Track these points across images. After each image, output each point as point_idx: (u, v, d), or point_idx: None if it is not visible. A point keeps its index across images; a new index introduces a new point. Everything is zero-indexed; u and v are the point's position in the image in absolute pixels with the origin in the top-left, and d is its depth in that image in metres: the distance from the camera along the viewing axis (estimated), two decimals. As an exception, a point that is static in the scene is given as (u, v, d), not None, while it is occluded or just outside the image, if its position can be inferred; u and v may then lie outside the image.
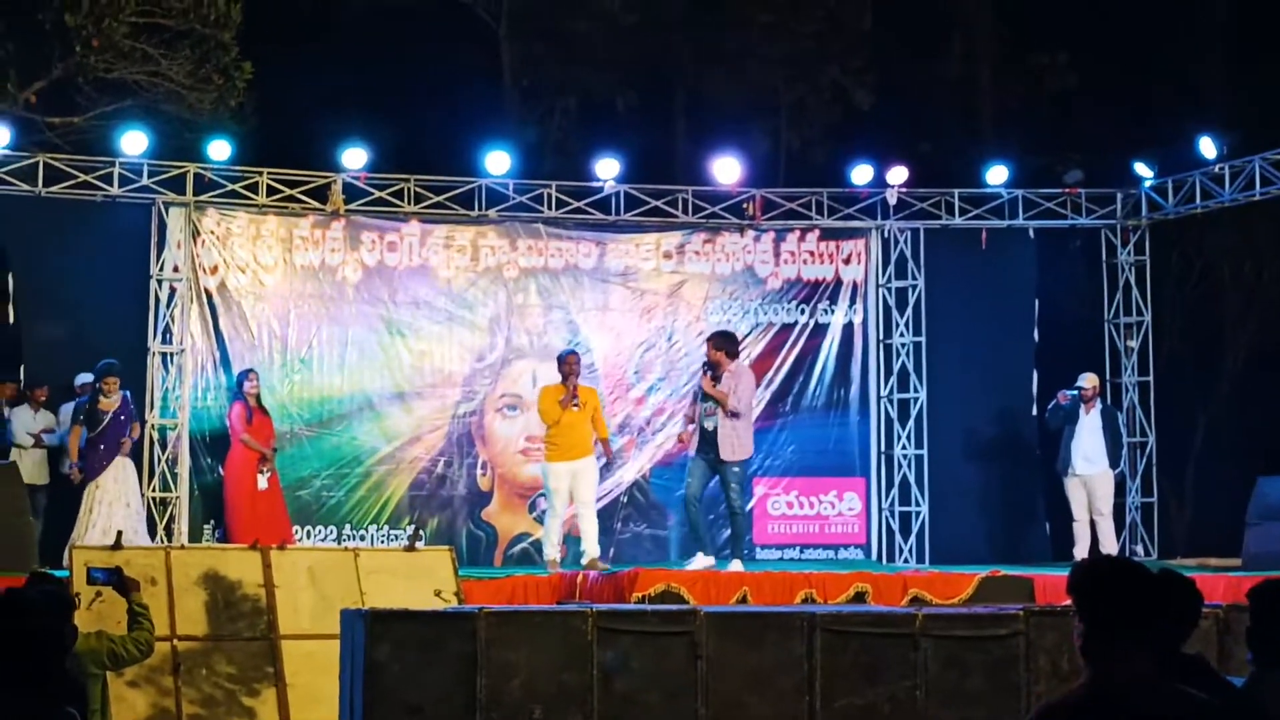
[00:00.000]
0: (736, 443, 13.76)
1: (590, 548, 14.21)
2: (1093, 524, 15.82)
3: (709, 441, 13.80)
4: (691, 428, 14.10)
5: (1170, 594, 4.56)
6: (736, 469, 13.84)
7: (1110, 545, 15.81)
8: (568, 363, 14.47)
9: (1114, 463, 16.02)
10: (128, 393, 15.11)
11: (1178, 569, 5.28)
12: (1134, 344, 18.18)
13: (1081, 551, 15.63)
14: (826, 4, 24.48)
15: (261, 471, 15.32)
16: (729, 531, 14.24)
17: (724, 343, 14.10)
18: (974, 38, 25.85)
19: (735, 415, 13.76)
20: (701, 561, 13.76)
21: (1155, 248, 18.52)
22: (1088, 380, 16.09)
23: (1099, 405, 16.03)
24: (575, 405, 14.25)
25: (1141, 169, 17.85)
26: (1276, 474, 15.80)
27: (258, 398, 15.59)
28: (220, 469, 15.99)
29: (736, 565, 13.79)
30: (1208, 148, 17.09)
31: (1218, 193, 17.08)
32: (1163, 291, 19.79)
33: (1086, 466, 15.82)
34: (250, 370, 15.76)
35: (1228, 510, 16.57)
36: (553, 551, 14.52)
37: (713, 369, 13.85)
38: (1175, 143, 18.29)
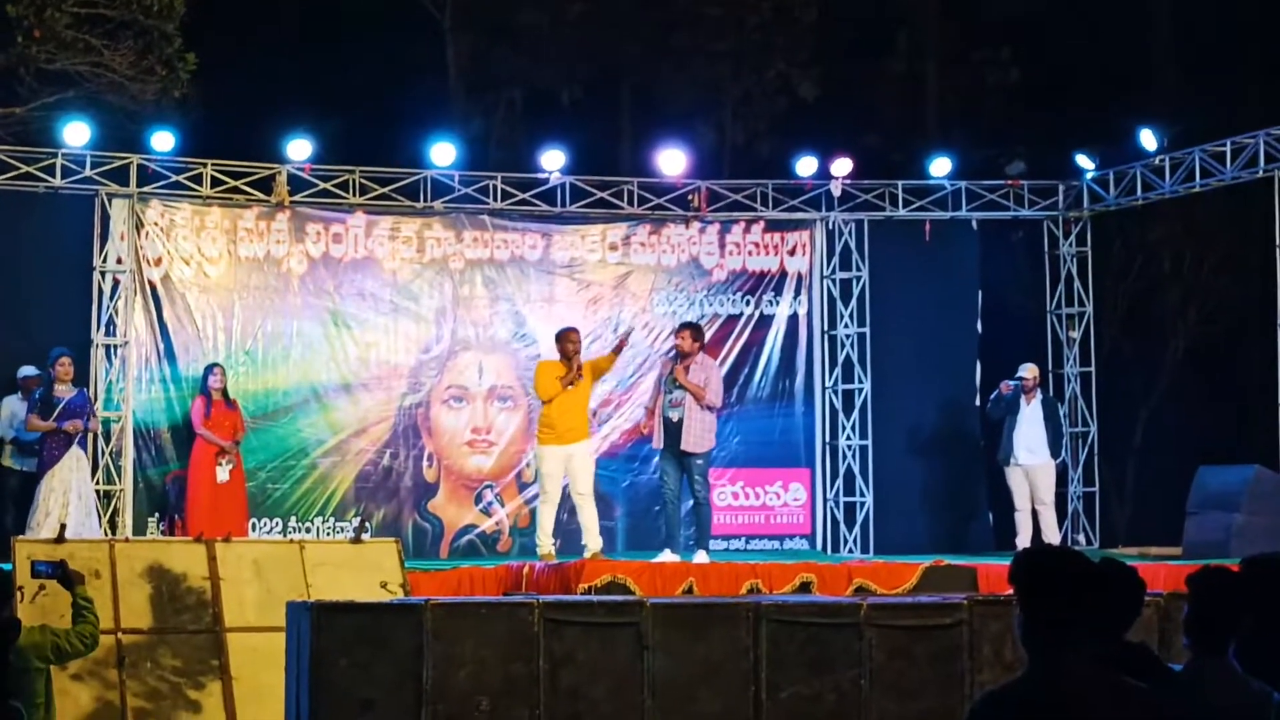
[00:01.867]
0: (703, 434, 13.79)
1: (592, 541, 13.82)
2: (1035, 514, 15.92)
3: (673, 433, 13.77)
4: (650, 420, 14.07)
5: (1111, 583, 4.62)
6: (700, 460, 13.86)
7: (1053, 535, 15.90)
8: (571, 340, 13.82)
9: (1055, 453, 16.13)
10: (85, 389, 15.07)
11: (1119, 558, 5.35)
12: (1076, 335, 18.32)
13: (1023, 541, 15.72)
14: (772, -4, 24.55)
15: (220, 464, 15.29)
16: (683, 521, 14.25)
17: (700, 334, 14.18)
18: (918, 31, 25.97)
19: (713, 409, 13.81)
20: (668, 558, 13.76)
21: (1097, 239, 18.67)
22: (1029, 371, 16.18)
23: (1040, 396, 16.13)
24: (575, 382, 13.65)
25: (1083, 161, 17.99)
26: (1216, 464, 15.96)
27: (223, 391, 15.57)
28: (164, 462, 15.98)
29: (702, 556, 13.79)
30: (1148, 140, 17.24)
31: (1159, 184, 17.22)
32: (1104, 282, 19.96)
33: (1028, 457, 15.90)
34: (215, 364, 15.77)
35: (1168, 499, 16.74)
36: (547, 544, 13.85)
37: (683, 359, 13.83)
38: (1116, 135, 18.45)
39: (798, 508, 17.89)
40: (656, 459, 14.88)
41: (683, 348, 13.90)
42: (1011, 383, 16.11)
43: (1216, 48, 23.65)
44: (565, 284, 17.58)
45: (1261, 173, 16.04)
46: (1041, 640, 4.02)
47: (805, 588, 13.35)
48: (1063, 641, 4.00)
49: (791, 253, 18.06)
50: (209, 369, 15.69)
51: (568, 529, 14.66)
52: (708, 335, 17.52)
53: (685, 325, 14.40)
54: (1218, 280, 22.90)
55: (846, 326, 17.97)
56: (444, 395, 17.21)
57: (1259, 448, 16.48)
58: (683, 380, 13.70)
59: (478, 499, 17.16)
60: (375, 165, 17.13)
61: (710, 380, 13.85)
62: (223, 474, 15.29)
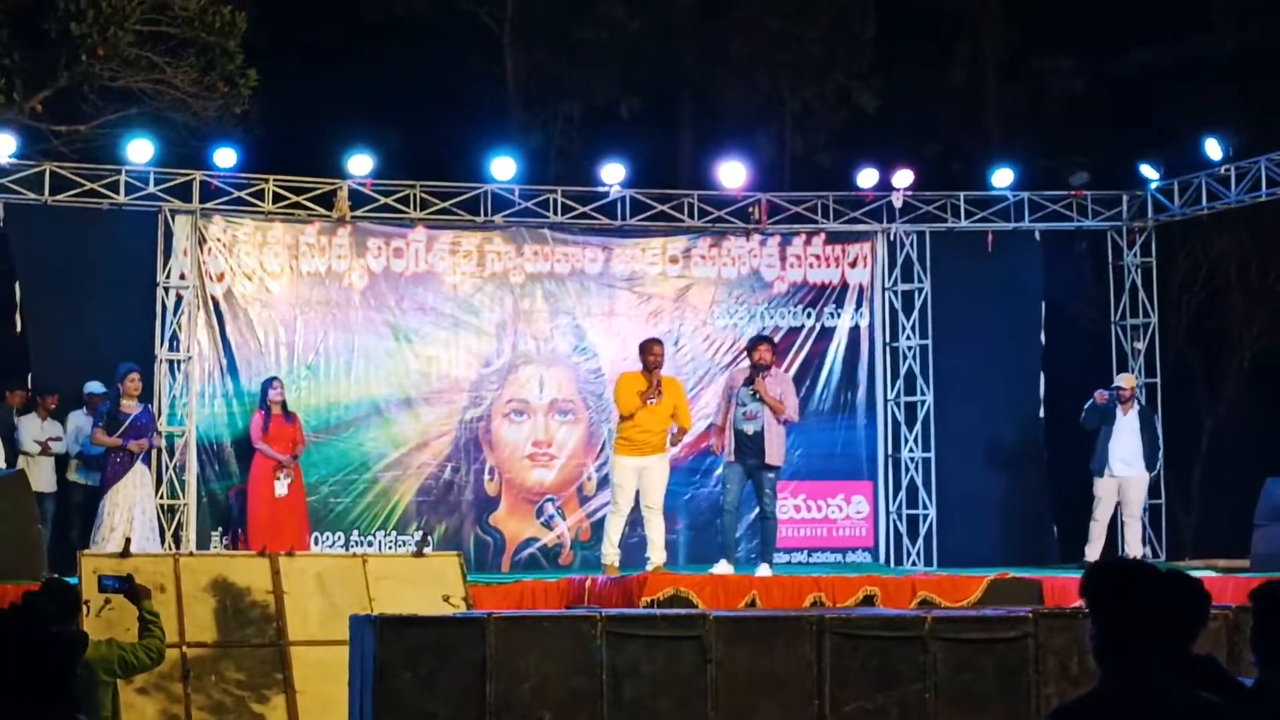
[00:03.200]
0: (781, 447, 13.75)
1: (656, 554, 13.70)
2: (1120, 525, 15.64)
3: (750, 446, 13.64)
4: (720, 438, 13.95)
5: (1179, 595, 4.56)
6: (773, 474, 13.80)
7: (1136, 548, 15.65)
8: (653, 351, 13.57)
9: (1150, 465, 15.75)
10: (149, 405, 15.19)
11: (1186, 570, 5.28)
12: (1140, 346, 18.16)
13: (1094, 552, 15.51)
14: (832, 9, 24.51)
15: (279, 478, 15.35)
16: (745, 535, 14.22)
17: (775, 347, 14.10)
18: (979, 40, 25.86)
19: (790, 422, 13.81)
20: (724, 568, 13.70)
21: (1161, 249, 18.51)
22: (1125, 380, 15.95)
23: (1137, 406, 15.81)
24: (656, 399, 13.44)
25: (1147, 170, 17.84)
26: (1284, 475, 15.79)
27: (282, 405, 15.62)
28: (228, 476, 16.08)
29: (765, 570, 13.71)
30: (1213, 149, 17.06)
31: (1224, 194, 17.07)
32: (1169, 293, 19.81)
33: (1123, 468, 15.56)
34: (274, 378, 15.82)
35: (1235, 511, 16.56)
36: (612, 555, 13.71)
37: (761, 372, 13.73)
38: (1181, 144, 18.28)
39: (860, 520, 17.81)
40: (719, 470, 14.82)
41: (764, 360, 13.72)
42: (1106, 392, 15.91)
43: (1281, 55, 23.42)
44: (626, 297, 17.58)
45: (1329, 181, 15.89)
46: (1114, 653, 3.97)
47: (869, 601, 13.28)
48: (1135, 654, 3.95)
49: (853, 264, 18.00)
50: (268, 382, 15.76)
51: (628, 541, 14.59)
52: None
53: (761, 339, 14.19)
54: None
55: (908, 338, 17.88)
56: (505, 409, 17.23)
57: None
58: (764, 394, 13.58)
59: (539, 512, 17.17)
60: (435, 180, 17.19)
61: (786, 394, 13.81)
62: (281, 488, 15.33)
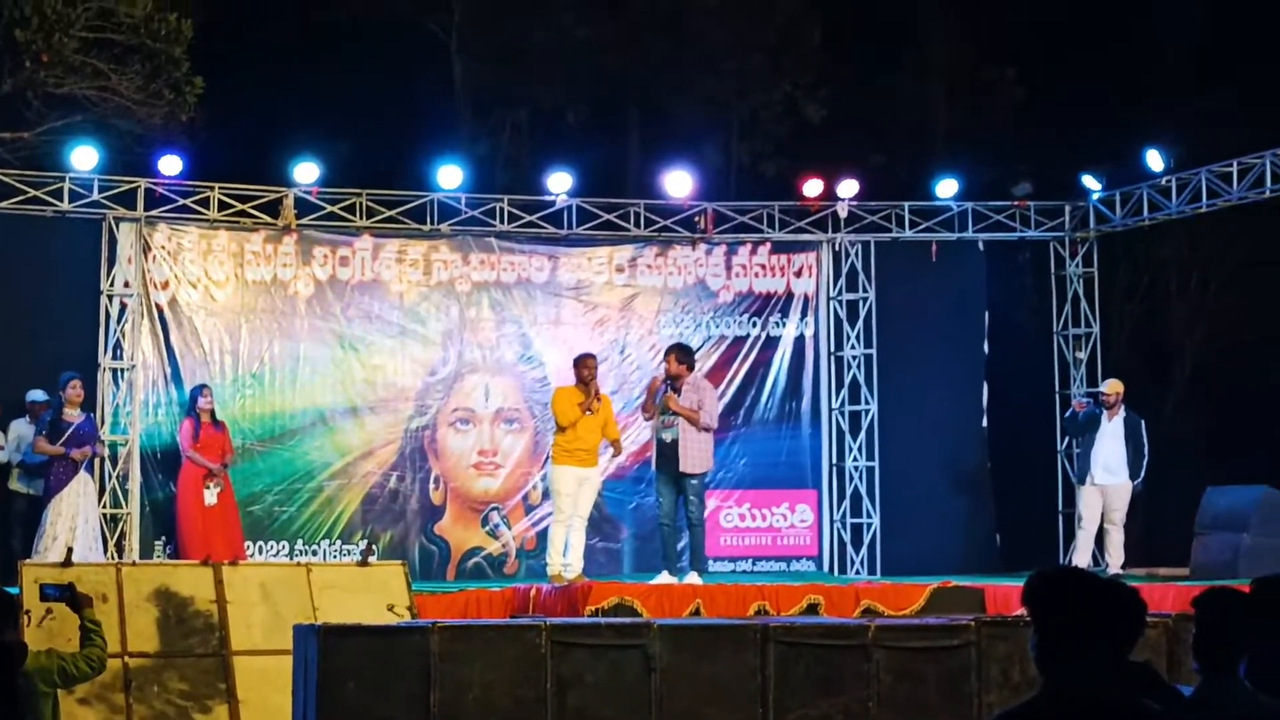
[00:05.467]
0: (699, 455, 13.72)
1: (577, 562, 13.83)
2: (1102, 531, 15.47)
3: (668, 454, 13.70)
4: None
5: (1117, 603, 4.61)
6: (695, 481, 13.79)
7: (1118, 557, 15.35)
8: (588, 366, 13.95)
9: (1134, 473, 15.44)
10: (92, 414, 15.09)
11: (1126, 578, 5.35)
12: (1083, 356, 18.28)
13: (1080, 561, 15.33)
14: (778, 19, 24.59)
15: (209, 487, 15.23)
16: (685, 543, 14.21)
17: (686, 356, 14.04)
18: (924, 52, 25.99)
19: (708, 430, 13.77)
20: (665, 579, 13.73)
21: (1103, 260, 18.66)
22: (1110, 386, 15.71)
23: (1123, 413, 15.46)
24: (596, 408, 13.77)
25: (1089, 181, 17.98)
26: (1224, 484, 15.91)
27: (211, 413, 15.50)
28: (171, 485, 15.94)
29: (694, 578, 13.76)
30: (1155, 160, 17.22)
31: (1165, 205, 17.22)
32: (1110, 303, 19.96)
33: (1105, 476, 15.36)
34: (203, 386, 15.69)
35: (1176, 520, 16.68)
36: (558, 564, 13.80)
37: (673, 383, 13.79)
38: (1122, 155, 18.44)
39: (804, 529, 17.87)
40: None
41: (670, 372, 13.82)
42: (1083, 399, 15.93)
43: (1222, 67, 23.66)
44: (572, 306, 17.59)
45: (1269, 193, 16.04)
46: (1055, 660, 4.01)
47: (813, 609, 13.32)
48: (1076, 662, 3.99)
49: (798, 274, 18.07)
50: (198, 390, 15.60)
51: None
52: (715, 357, 17.60)
53: (672, 348, 14.20)
54: (1224, 299, 22.89)
55: (853, 348, 17.96)
56: (450, 418, 17.21)
57: (1267, 468, 16.43)
58: (674, 406, 13.62)
59: (484, 521, 17.16)
60: (382, 188, 17.17)
61: (704, 401, 13.74)
62: (210, 497, 15.21)
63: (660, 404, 13.79)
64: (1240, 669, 4.91)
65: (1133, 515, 21.99)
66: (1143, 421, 15.69)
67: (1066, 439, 17.35)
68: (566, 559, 13.90)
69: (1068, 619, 4.01)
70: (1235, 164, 16.31)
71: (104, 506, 15.55)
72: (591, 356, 14.26)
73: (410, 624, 9.93)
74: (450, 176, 17.07)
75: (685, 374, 13.76)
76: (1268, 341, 21.63)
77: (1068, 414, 16.01)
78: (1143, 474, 15.63)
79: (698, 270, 17.91)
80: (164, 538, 15.99)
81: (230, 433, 15.79)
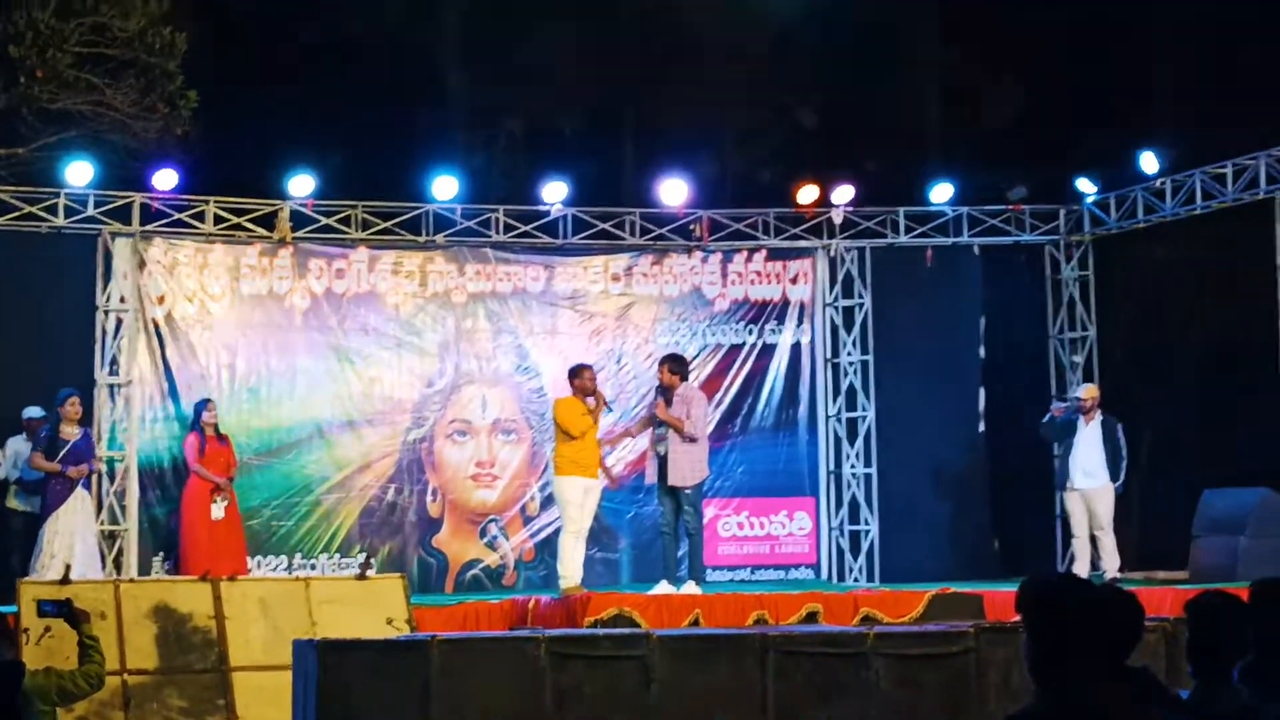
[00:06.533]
0: (688, 467, 13.70)
1: (576, 572, 13.83)
2: (1092, 538, 15.42)
3: (663, 468, 13.73)
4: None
5: (1113, 609, 4.61)
6: (689, 492, 13.79)
7: (1112, 562, 15.31)
8: (587, 375, 13.99)
9: (1114, 475, 15.41)
10: (89, 430, 15.07)
11: (1124, 582, 5.34)
12: (1079, 359, 18.30)
13: (1080, 568, 15.28)
14: (772, 26, 24.58)
15: (215, 501, 15.23)
16: (684, 552, 14.20)
17: (677, 366, 14.04)
18: (918, 57, 25.99)
19: (693, 440, 13.74)
20: (665, 589, 13.73)
21: (1099, 263, 18.67)
22: (1086, 391, 15.75)
23: (1099, 416, 15.49)
24: (605, 413, 13.96)
25: (1084, 185, 17.99)
26: (1222, 487, 15.91)
27: (215, 427, 15.50)
28: (169, 500, 15.94)
29: (691, 587, 13.76)
30: (1149, 163, 17.24)
31: (1160, 207, 17.24)
32: (1107, 306, 19.93)
33: (1085, 480, 15.33)
34: (208, 400, 15.69)
35: (1174, 523, 16.67)
36: (576, 577, 13.73)
37: (665, 393, 13.81)
38: (1117, 158, 18.44)
39: (803, 537, 17.86)
40: (658, 492, 14.87)
41: (661, 381, 13.89)
42: (1062, 404, 15.92)
43: (1216, 69, 23.65)
44: (568, 316, 17.59)
45: (1263, 194, 16.06)
46: (1049, 667, 4.01)
47: (811, 618, 13.32)
48: (1070, 667, 3.99)
49: (794, 281, 18.08)
50: (202, 404, 15.60)
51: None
52: (711, 365, 17.59)
53: (665, 359, 14.27)
54: (1221, 302, 22.85)
55: (850, 354, 17.96)
56: (448, 429, 17.21)
57: (1265, 471, 16.42)
58: (662, 415, 13.67)
59: (482, 533, 17.15)
60: (377, 200, 17.17)
61: (691, 411, 13.74)
62: (218, 511, 15.20)
63: (651, 415, 13.86)
64: (1234, 673, 4.92)
65: (1130, 518, 22.06)
66: (1120, 425, 15.68)
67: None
68: (562, 570, 13.90)
69: (1059, 626, 4.01)
70: (1230, 165, 16.33)
71: (102, 523, 15.54)
72: (588, 367, 14.32)
73: (409, 637, 9.94)
74: (445, 187, 17.07)
75: (677, 384, 13.78)
76: (1264, 344, 21.59)
77: (1045, 419, 15.99)
78: (1122, 476, 15.63)
79: (694, 278, 17.91)
80: (162, 554, 15.98)
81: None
